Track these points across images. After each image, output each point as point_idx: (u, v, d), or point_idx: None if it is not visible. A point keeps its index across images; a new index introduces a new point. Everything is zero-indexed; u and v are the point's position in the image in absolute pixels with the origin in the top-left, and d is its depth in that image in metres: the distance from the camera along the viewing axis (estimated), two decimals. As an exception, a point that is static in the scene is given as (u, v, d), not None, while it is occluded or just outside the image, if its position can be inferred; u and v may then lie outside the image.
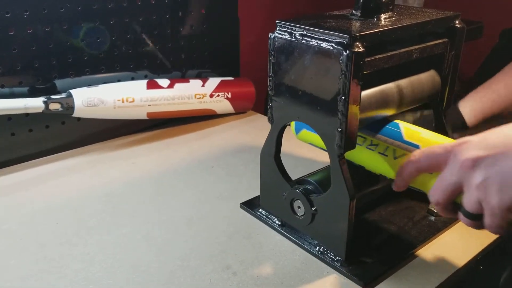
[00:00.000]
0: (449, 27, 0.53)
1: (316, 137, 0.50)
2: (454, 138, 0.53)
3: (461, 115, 0.67)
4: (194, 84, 0.85)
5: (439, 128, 0.58)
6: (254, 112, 0.95)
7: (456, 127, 0.67)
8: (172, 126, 0.88)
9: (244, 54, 0.98)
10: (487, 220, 0.41)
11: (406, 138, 0.50)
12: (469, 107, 0.67)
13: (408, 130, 0.51)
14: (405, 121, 0.54)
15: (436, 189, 0.44)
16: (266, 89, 0.52)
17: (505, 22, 1.12)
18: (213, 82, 0.88)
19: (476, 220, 0.42)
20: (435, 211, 0.58)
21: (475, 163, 0.40)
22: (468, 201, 0.41)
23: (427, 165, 0.45)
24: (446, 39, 0.53)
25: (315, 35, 0.45)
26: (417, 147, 0.48)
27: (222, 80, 0.89)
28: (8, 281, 0.49)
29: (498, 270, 0.58)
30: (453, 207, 0.44)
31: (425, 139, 0.49)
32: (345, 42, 0.43)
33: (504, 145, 0.39)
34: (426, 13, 0.52)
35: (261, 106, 1.10)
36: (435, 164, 0.44)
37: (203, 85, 0.86)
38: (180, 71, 0.90)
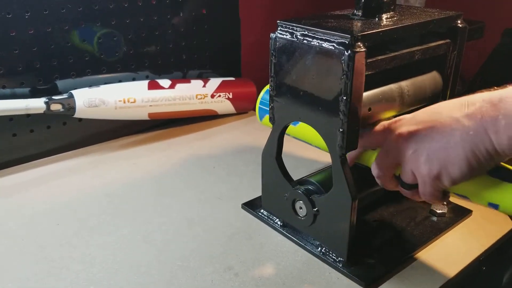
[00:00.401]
0: (451, 27, 0.53)
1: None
2: None
3: None
4: (195, 85, 0.85)
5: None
6: (255, 112, 0.95)
7: None
8: (173, 127, 0.88)
9: (245, 54, 0.98)
10: (420, 188, 0.45)
11: None
12: None
13: None
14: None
15: (377, 164, 0.48)
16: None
17: (507, 21, 1.11)
18: (214, 82, 0.87)
19: (412, 189, 0.46)
20: (438, 211, 0.58)
21: (408, 137, 0.44)
22: (404, 172, 0.45)
23: (369, 142, 0.49)
24: (448, 40, 0.53)
25: (317, 35, 0.45)
26: None
27: (223, 81, 0.89)
28: (9, 282, 0.49)
29: (500, 271, 0.58)
30: (393, 180, 0.48)
31: None
32: (347, 42, 0.42)
33: (431, 120, 0.43)
34: (428, 13, 0.52)
35: (262, 107, 1.09)
36: (375, 141, 0.48)
37: (204, 86, 0.86)
38: (181, 72, 0.90)
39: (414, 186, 0.46)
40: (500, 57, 1.08)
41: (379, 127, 0.48)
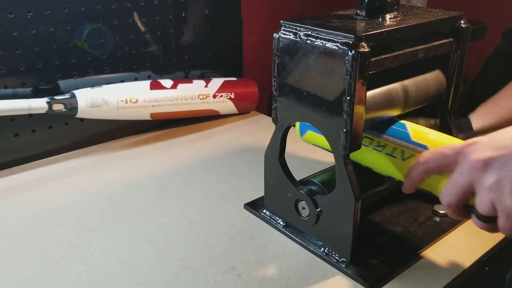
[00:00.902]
0: (454, 27, 0.53)
1: (321, 139, 0.49)
2: (459, 138, 0.52)
3: (471, 127, 0.66)
4: (197, 85, 0.85)
5: (444, 128, 0.57)
6: (257, 112, 0.95)
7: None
8: (175, 127, 0.88)
9: (247, 54, 0.98)
10: (501, 222, 0.40)
11: (413, 139, 0.49)
12: (475, 122, 0.67)
13: (415, 130, 0.50)
14: (410, 121, 0.53)
15: (447, 191, 0.43)
16: (270, 90, 0.52)
17: (508, 22, 1.11)
18: (216, 82, 0.87)
19: (490, 222, 0.42)
20: (441, 212, 0.58)
21: (486, 163, 0.39)
22: (481, 203, 0.41)
23: (437, 166, 0.44)
24: (451, 39, 0.53)
25: (320, 35, 0.45)
26: (425, 147, 0.48)
27: (225, 81, 0.89)
28: (10, 283, 0.49)
29: (504, 271, 0.58)
30: (465, 209, 0.43)
31: (433, 140, 0.48)
32: (351, 42, 0.42)
33: None
34: (431, 13, 0.52)
35: (264, 107, 1.09)
36: (445, 165, 0.43)
37: (206, 86, 0.86)
38: (183, 72, 0.90)
39: (493, 219, 0.41)
40: (500, 58, 1.08)
41: (449, 150, 0.43)
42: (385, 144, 0.50)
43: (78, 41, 0.76)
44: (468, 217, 0.44)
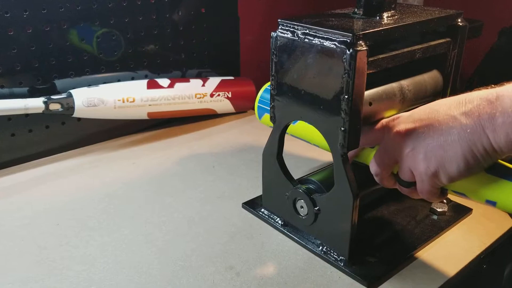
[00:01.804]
0: (452, 26, 0.53)
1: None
2: None
3: None
4: (195, 84, 0.85)
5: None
6: (254, 111, 0.94)
7: None
8: (173, 126, 0.88)
9: (244, 53, 0.98)
10: (418, 186, 0.45)
11: None
12: None
13: None
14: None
15: (375, 161, 0.48)
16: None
17: (504, 20, 1.11)
18: (214, 81, 0.87)
19: (410, 187, 0.46)
20: (438, 210, 0.58)
21: (405, 135, 0.44)
22: (402, 170, 0.46)
23: (366, 139, 0.48)
24: (448, 39, 0.53)
25: (318, 34, 0.45)
26: None
27: (222, 80, 0.89)
28: (9, 284, 0.49)
29: (501, 269, 0.58)
30: (392, 177, 0.48)
31: None
32: (348, 40, 0.42)
33: (429, 118, 0.43)
34: (428, 11, 0.52)
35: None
36: (373, 139, 0.48)
37: (203, 85, 0.86)
38: (180, 71, 0.90)
39: (412, 184, 0.46)
40: (497, 56, 1.08)
41: (377, 124, 0.48)
42: None
43: (78, 41, 0.76)
44: (394, 184, 0.49)
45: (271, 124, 0.55)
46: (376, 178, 0.49)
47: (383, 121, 0.48)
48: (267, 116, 0.56)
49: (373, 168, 0.48)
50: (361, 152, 0.52)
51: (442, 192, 0.46)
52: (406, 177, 0.46)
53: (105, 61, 0.80)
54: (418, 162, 0.43)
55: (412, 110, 0.46)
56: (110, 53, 0.80)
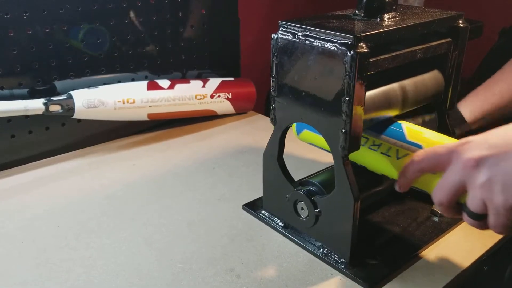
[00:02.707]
0: (453, 27, 0.53)
1: (318, 138, 0.50)
2: (455, 133, 0.52)
3: (462, 117, 0.66)
4: (195, 85, 0.85)
5: (442, 128, 0.58)
6: (255, 112, 0.94)
7: (456, 126, 0.66)
8: (173, 127, 0.88)
9: (244, 54, 0.98)
10: (491, 219, 0.41)
11: (408, 138, 0.50)
12: (469, 109, 0.67)
13: (410, 130, 0.50)
14: (408, 121, 0.53)
15: (439, 189, 0.43)
16: (267, 89, 0.52)
17: (504, 20, 1.11)
18: (214, 82, 0.87)
19: (481, 220, 0.42)
20: (439, 211, 0.58)
21: (478, 162, 0.40)
22: (472, 201, 0.41)
23: (430, 165, 0.45)
24: (449, 39, 0.53)
25: (319, 35, 0.45)
26: (419, 147, 0.48)
27: (222, 81, 0.88)
28: (8, 286, 0.49)
29: (503, 271, 0.58)
30: (457, 207, 0.44)
31: (427, 139, 0.49)
32: (349, 42, 0.42)
33: (506, 145, 0.39)
34: (429, 13, 0.52)
35: (262, 107, 1.09)
36: (438, 164, 0.44)
37: (203, 86, 0.85)
38: (180, 72, 0.90)
39: (483, 216, 0.42)
40: (497, 57, 1.08)
41: (443, 149, 0.44)
42: (380, 143, 0.51)
43: (75, 41, 0.75)
44: (459, 214, 0.44)
45: (310, 141, 0.55)
46: (439, 208, 0.45)
47: (450, 145, 0.43)
48: (306, 133, 0.54)
49: (438, 197, 0.44)
50: (421, 178, 0.46)
51: None
52: (478, 209, 0.41)
53: (105, 62, 0.79)
54: (495, 194, 0.39)
55: (485, 135, 0.42)
56: (109, 54, 0.80)
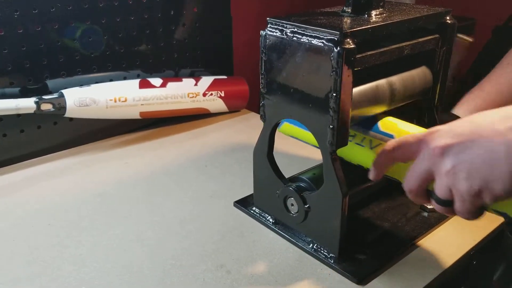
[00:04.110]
0: (440, 23, 0.53)
1: (298, 130, 0.51)
2: None
3: (458, 117, 0.67)
4: (187, 83, 0.85)
5: (431, 124, 0.58)
6: (248, 110, 0.95)
7: None
8: (165, 126, 0.88)
9: (237, 52, 0.98)
10: (457, 205, 0.42)
11: (382, 128, 0.51)
12: (464, 109, 0.67)
13: (384, 121, 0.52)
14: (396, 117, 0.54)
15: (409, 177, 0.45)
16: (260, 87, 0.52)
17: (497, 18, 1.12)
18: (206, 81, 0.87)
19: (447, 206, 0.43)
20: (429, 207, 0.58)
21: (444, 150, 0.41)
22: (439, 187, 0.42)
23: (401, 154, 0.46)
24: (437, 35, 0.53)
25: (306, 32, 0.45)
26: (391, 137, 0.49)
27: (215, 79, 0.89)
28: (0, 283, 0.49)
29: (491, 265, 0.58)
30: (426, 194, 0.45)
31: (400, 130, 0.50)
32: (336, 38, 0.42)
33: (471, 133, 0.40)
34: (417, 9, 0.52)
35: (255, 105, 1.09)
36: (408, 153, 0.45)
37: (196, 84, 0.86)
38: (172, 70, 0.90)
39: (450, 203, 0.43)
40: (491, 54, 1.09)
41: (411, 138, 0.45)
42: (355, 134, 0.52)
43: (66, 40, 0.75)
44: (428, 201, 0.45)
45: (290, 134, 0.55)
46: (409, 195, 0.46)
47: (418, 134, 0.45)
48: (286, 125, 0.55)
49: (407, 184, 0.45)
50: (393, 167, 0.48)
51: (481, 211, 0.42)
52: (444, 196, 0.42)
53: (97, 61, 0.79)
54: (460, 181, 0.40)
55: (451, 124, 0.43)
56: (100, 52, 0.80)
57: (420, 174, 0.43)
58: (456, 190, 0.41)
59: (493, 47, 1.14)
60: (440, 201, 0.43)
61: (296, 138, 0.56)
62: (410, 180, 0.44)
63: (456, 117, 0.67)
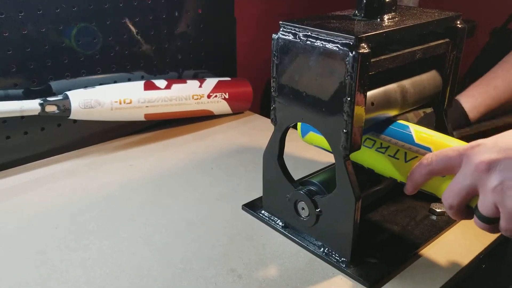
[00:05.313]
0: (450, 27, 0.53)
1: (323, 140, 0.50)
2: (453, 136, 0.53)
3: (464, 111, 0.67)
4: (191, 85, 0.85)
5: (440, 127, 0.58)
6: (251, 112, 0.95)
7: (458, 122, 0.67)
8: (170, 127, 0.87)
9: (241, 54, 0.98)
10: (503, 223, 0.41)
11: (417, 140, 0.49)
12: (471, 103, 0.67)
13: (418, 132, 0.50)
14: (407, 121, 0.54)
15: (450, 193, 0.43)
16: (263, 89, 0.52)
17: (496, 20, 1.12)
18: (211, 82, 0.87)
19: (492, 223, 0.42)
20: (437, 210, 0.58)
21: (490, 166, 0.40)
22: (484, 204, 0.41)
23: (440, 168, 0.44)
24: (448, 39, 0.53)
25: (320, 36, 0.45)
26: (428, 150, 0.48)
27: (219, 81, 0.88)
28: (8, 287, 0.48)
29: (501, 268, 0.58)
30: (466, 210, 0.44)
31: (436, 142, 0.48)
32: (351, 43, 0.42)
33: None
34: (428, 13, 0.52)
35: (258, 106, 1.09)
36: (448, 167, 0.44)
37: (200, 86, 0.85)
38: (176, 72, 0.89)
39: (494, 220, 0.41)
40: (489, 56, 1.09)
41: (453, 152, 0.43)
42: (388, 146, 0.50)
43: (67, 40, 0.75)
44: (469, 217, 0.44)
45: (315, 143, 0.55)
46: (448, 211, 0.44)
47: (460, 147, 0.43)
48: (312, 135, 0.54)
49: (448, 200, 0.43)
50: (430, 181, 0.46)
51: None
52: (490, 213, 0.41)
53: (101, 62, 0.79)
54: (508, 199, 0.39)
55: (495, 137, 0.41)
56: (104, 54, 0.79)
57: (462, 190, 0.42)
58: (503, 208, 0.39)
59: (491, 49, 1.15)
60: (484, 219, 0.42)
61: (322, 148, 0.55)
62: (450, 196, 0.43)
63: (461, 107, 0.67)
